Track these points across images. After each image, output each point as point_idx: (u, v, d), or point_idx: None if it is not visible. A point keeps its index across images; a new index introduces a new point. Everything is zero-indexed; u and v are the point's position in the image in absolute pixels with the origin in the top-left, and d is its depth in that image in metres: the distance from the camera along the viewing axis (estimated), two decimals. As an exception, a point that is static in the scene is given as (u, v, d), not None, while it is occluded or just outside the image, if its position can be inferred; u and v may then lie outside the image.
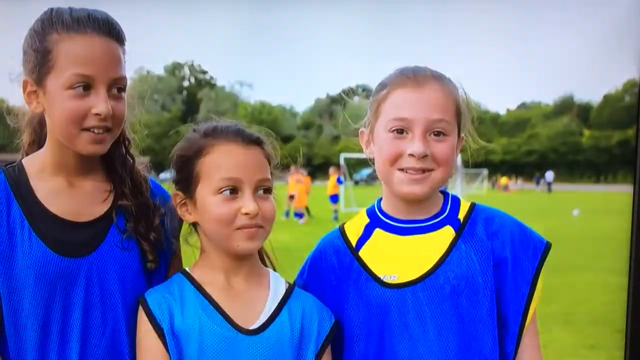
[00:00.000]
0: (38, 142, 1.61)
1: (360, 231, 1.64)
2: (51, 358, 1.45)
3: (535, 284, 1.53)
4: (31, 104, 1.49)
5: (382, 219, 1.63)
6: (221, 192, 1.46)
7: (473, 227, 1.56)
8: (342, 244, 1.64)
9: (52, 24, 1.44)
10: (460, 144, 1.61)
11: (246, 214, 1.45)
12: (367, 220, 1.66)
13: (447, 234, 1.56)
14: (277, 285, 1.57)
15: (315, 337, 1.52)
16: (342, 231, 1.67)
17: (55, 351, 1.45)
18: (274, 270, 1.66)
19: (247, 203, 1.45)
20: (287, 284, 1.60)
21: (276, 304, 1.53)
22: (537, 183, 49.22)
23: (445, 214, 1.59)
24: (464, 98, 1.59)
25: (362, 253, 1.60)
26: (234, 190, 1.47)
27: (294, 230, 13.98)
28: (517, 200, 28.91)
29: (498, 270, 1.51)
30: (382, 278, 1.54)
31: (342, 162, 22.49)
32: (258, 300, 1.52)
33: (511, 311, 1.51)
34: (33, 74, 1.45)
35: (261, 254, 1.66)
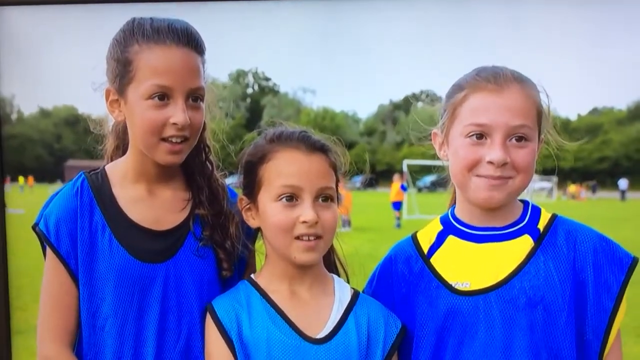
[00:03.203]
0: (122, 147, 1.65)
1: (432, 238, 1.60)
2: (127, 359, 1.49)
3: (621, 300, 1.44)
4: (113, 112, 1.54)
5: (455, 226, 1.58)
6: (280, 199, 1.46)
7: (553, 238, 1.48)
8: (413, 251, 1.60)
9: (133, 34, 1.47)
10: (540, 147, 1.53)
11: (304, 222, 1.44)
12: (440, 227, 1.61)
13: (525, 243, 1.50)
14: (342, 292, 1.57)
15: (382, 344, 1.51)
16: (414, 239, 1.63)
17: (131, 353, 1.49)
18: (347, 277, 1.65)
19: (305, 211, 1.44)
20: (352, 290, 1.59)
21: (342, 312, 1.52)
22: (593, 192, 47.28)
23: (524, 222, 1.53)
24: (545, 99, 1.51)
25: (434, 260, 1.56)
26: (293, 198, 1.46)
27: (355, 238, 13.94)
28: (588, 208, 27.89)
29: (579, 284, 1.44)
30: (453, 285, 1.50)
31: (405, 168, 22.31)
32: (324, 308, 1.52)
33: (593, 326, 1.43)
34: (115, 84, 1.50)
35: (332, 260, 1.66)
